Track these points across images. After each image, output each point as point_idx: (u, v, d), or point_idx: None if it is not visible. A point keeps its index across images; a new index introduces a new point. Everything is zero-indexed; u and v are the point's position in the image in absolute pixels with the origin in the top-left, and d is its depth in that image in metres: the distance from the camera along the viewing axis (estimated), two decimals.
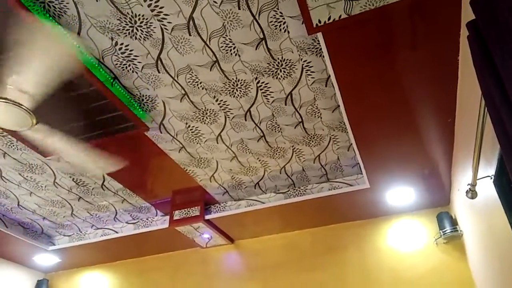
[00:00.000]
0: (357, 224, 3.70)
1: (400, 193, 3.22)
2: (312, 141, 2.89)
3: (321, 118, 2.66)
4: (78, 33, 1.99)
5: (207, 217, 3.62)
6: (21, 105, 2.01)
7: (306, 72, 2.29)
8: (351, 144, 2.89)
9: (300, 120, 2.67)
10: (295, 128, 2.74)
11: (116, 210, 3.71)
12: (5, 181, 3.14)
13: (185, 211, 3.64)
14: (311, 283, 3.60)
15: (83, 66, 2.10)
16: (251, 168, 3.19)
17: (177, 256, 4.24)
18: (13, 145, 2.76)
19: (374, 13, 1.72)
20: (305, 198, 3.36)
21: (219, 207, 3.67)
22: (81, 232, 4.01)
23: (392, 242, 3.52)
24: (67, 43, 2.00)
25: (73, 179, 3.18)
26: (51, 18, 1.91)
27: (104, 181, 3.25)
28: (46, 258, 4.18)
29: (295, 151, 3.00)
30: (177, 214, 3.66)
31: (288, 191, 3.47)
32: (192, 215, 3.62)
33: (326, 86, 2.39)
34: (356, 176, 3.25)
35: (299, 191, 3.42)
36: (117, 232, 3.87)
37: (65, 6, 1.86)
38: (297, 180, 3.37)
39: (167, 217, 3.76)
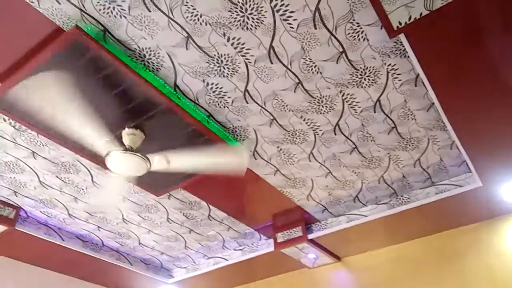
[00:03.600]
0: (472, 227, 3.39)
1: None
2: (409, 145, 2.77)
3: (415, 119, 2.55)
4: (175, 81, 2.22)
5: (310, 236, 3.62)
6: (137, 154, 2.27)
7: (392, 76, 2.24)
8: (453, 141, 2.71)
9: (392, 125, 2.59)
10: (388, 134, 2.67)
11: (223, 238, 3.90)
12: (127, 223, 3.52)
13: (287, 232, 3.69)
14: None
15: (182, 110, 2.32)
16: (347, 182, 3.15)
17: (286, 279, 4.27)
18: (131, 190, 3.10)
19: (456, 4, 1.65)
20: (411, 206, 3.18)
21: (320, 225, 3.65)
22: (195, 263, 4.27)
23: None
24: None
25: (183, 213, 3.45)
26: (150, 72, 2.16)
27: (210, 211, 3.46)
28: None
29: (392, 158, 2.90)
30: (280, 237, 3.72)
31: (390, 200, 3.33)
32: (295, 236, 3.64)
33: (415, 86, 2.31)
34: (465, 175, 3.01)
35: (403, 199, 3.26)
36: (226, 260, 4.05)
37: (161, 60, 2.10)
38: (399, 188, 3.23)
39: (271, 240, 3.84)
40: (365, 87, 2.31)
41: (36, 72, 2.03)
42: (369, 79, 2.26)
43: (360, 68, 2.19)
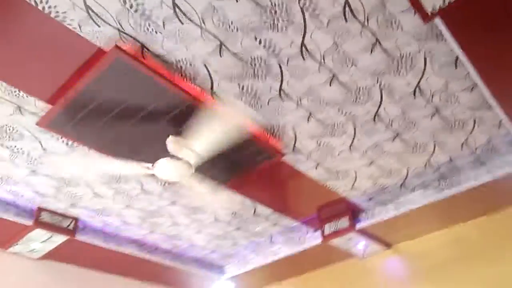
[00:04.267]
0: None
1: None
2: (454, 128, 2.68)
3: (458, 102, 2.46)
4: (211, 88, 2.28)
5: (357, 226, 3.60)
6: (182, 159, 2.37)
7: (430, 60, 2.18)
8: (501, 120, 2.59)
9: (435, 109, 2.52)
10: (431, 119, 2.59)
11: (270, 234, 3.96)
12: (178, 226, 3.66)
13: (334, 224, 3.69)
14: (493, 277, 3.23)
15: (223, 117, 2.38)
16: (391, 170, 3.10)
17: (336, 270, 4.28)
18: (179, 194, 3.22)
19: None
20: (461, 188, 3.08)
21: (368, 215, 3.61)
22: (245, 258, 4.37)
23: None
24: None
25: (229, 212, 3.53)
26: (188, 82, 2.23)
27: (255, 209, 3.52)
28: (222, 287, 4.65)
29: (437, 142, 2.81)
30: (327, 228, 3.73)
31: (439, 185, 3.24)
32: (342, 227, 3.63)
33: (456, 67, 2.22)
34: None
35: (452, 182, 3.16)
36: (275, 254, 4.11)
37: (197, 69, 2.16)
38: (447, 172, 3.13)
39: (318, 233, 3.85)
40: (402, 74, 2.26)
41: (83, 92, 2.16)
42: (406, 66, 2.21)
43: (396, 56, 2.14)
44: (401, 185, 3.29)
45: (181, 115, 2.34)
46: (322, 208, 3.63)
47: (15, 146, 2.59)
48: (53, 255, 3.62)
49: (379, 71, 2.23)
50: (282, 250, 4.09)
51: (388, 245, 3.93)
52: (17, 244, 3.37)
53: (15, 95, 2.25)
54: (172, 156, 2.36)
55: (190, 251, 4.17)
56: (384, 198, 3.46)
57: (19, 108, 2.32)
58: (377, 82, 2.31)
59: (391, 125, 2.63)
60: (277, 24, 1.94)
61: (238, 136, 2.40)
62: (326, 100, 2.41)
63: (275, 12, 1.88)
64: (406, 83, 2.32)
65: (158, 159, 2.36)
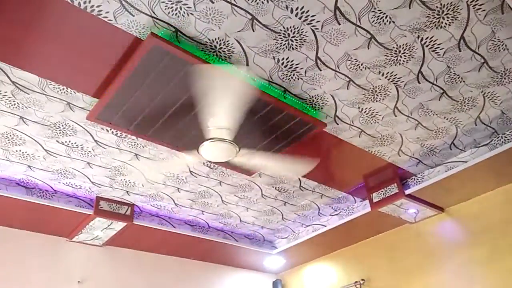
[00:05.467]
0: None
1: None
2: (505, 78, 2.52)
3: (508, 50, 2.31)
4: (247, 64, 2.28)
5: (407, 192, 3.52)
6: (224, 139, 2.41)
7: (473, 8, 2.05)
8: None
9: (482, 61, 2.38)
10: (479, 71, 2.46)
11: (318, 206, 3.97)
12: (226, 204, 3.76)
13: (382, 191, 3.63)
14: None
15: (258, 91, 2.39)
16: (439, 129, 2.98)
17: (389, 237, 4.24)
18: (224, 173, 3.29)
19: None
20: None
21: (417, 179, 3.52)
22: (294, 232, 4.43)
23: None
24: (241, 77, 2.32)
25: (275, 188, 3.57)
26: (223, 61, 2.25)
27: (300, 182, 3.54)
28: (274, 261, 4.76)
29: (487, 95, 2.67)
30: (376, 196, 3.68)
31: (491, 141, 3.09)
32: (391, 194, 3.58)
33: (503, 13, 2.08)
34: None
35: (506, 137, 3.00)
36: (325, 226, 4.13)
37: (231, 47, 2.17)
38: (499, 126, 2.98)
39: (367, 202, 3.82)
40: (444, 26, 2.15)
41: (125, 82, 2.23)
42: (448, 17, 2.09)
43: (436, 7, 2.03)
44: (450, 145, 3.17)
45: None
46: (369, 176, 3.58)
47: (69, 141, 2.74)
48: (114, 241, 3.85)
49: (419, 26, 2.13)
50: (331, 221, 4.11)
51: (440, 208, 3.83)
52: (81, 233, 3.61)
53: (64, 93, 2.37)
54: (215, 138, 2.40)
55: (240, 228, 4.28)
56: (433, 160, 3.36)
57: (68, 104, 2.45)
58: (418, 38, 2.21)
59: (436, 82, 2.52)
60: None
61: (248, 99, 2.34)
62: (365, 64, 2.34)
63: None
64: (450, 36, 2.20)
65: (201, 142, 2.41)
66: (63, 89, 2.35)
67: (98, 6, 1.90)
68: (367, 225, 4.11)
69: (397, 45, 2.24)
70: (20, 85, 2.29)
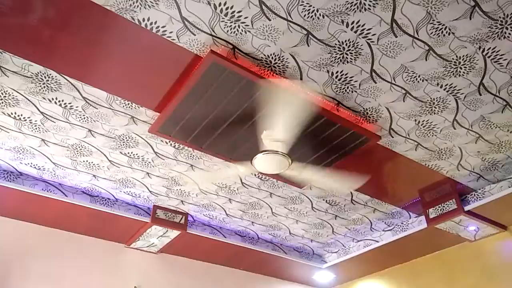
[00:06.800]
0: None
1: None
2: None
3: None
4: (301, 78, 2.32)
5: (466, 208, 3.36)
6: (278, 152, 2.45)
7: None
8: None
9: None
10: None
11: (370, 221, 3.88)
12: (276, 216, 3.78)
13: (439, 207, 3.49)
14: None
15: (311, 104, 2.41)
16: (502, 143, 2.84)
17: (446, 255, 4.04)
18: (275, 185, 3.32)
19: None
20: None
21: (477, 195, 3.35)
22: (344, 247, 4.35)
23: None
24: (298, 91, 2.35)
25: (326, 201, 3.55)
26: (278, 75, 2.30)
27: (352, 196, 3.49)
28: (323, 275, 4.69)
29: None
30: (432, 212, 3.54)
31: None
32: (449, 210, 3.42)
33: None
34: None
35: None
36: (377, 241, 4.02)
37: (286, 61, 2.22)
38: None
39: (422, 217, 3.67)
40: (508, 36, 2.06)
41: (185, 97, 2.35)
42: None
43: (500, 17, 1.96)
44: None
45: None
46: (425, 190, 3.45)
47: (131, 152, 2.92)
48: (168, 249, 3.99)
49: (481, 36, 2.06)
50: (384, 237, 3.99)
51: (503, 226, 3.60)
52: (138, 240, 3.78)
53: (128, 107, 2.54)
54: (269, 151, 2.45)
55: (289, 241, 4.28)
56: (495, 175, 3.18)
57: (132, 118, 2.62)
58: (480, 49, 2.14)
59: (499, 94, 2.41)
60: (364, 4, 1.91)
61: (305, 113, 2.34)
62: (422, 75, 2.30)
63: None
64: None
65: (254, 155, 2.47)
66: (128, 104, 2.51)
67: (163, 27, 2.03)
68: (422, 242, 3.95)
69: (456, 56, 2.18)
70: (90, 101, 2.49)
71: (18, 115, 2.57)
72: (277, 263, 4.46)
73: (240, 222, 3.88)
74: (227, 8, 1.94)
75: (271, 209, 3.67)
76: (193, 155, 2.95)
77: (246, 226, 3.96)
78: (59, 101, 2.48)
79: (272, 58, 2.20)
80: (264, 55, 2.19)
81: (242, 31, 2.05)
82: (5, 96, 2.43)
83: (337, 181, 2.92)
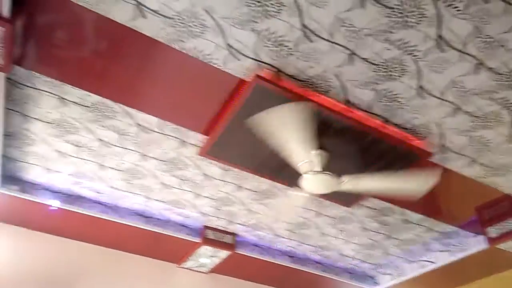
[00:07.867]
0: None
1: None
2: None
3: None
4: (346, 98, 2.32)
5: None
6: (318, 171, 2.43)
7: None
8: None
9: None
10: None
11: (424, 241, 3.72)
12: (325, 236, 3.73)
13: (500, 225, 3.27)
14: None
15: (357, 121, 2.40)
16: None
17: (509, 277, 3.75)
18: (323, 205, 3.29)
19: None
20: None
21: None
22: (398, 268, 4.18)
23: None
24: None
25: (377, 221, 3.45)
26: (322, 95, 2.32)
27: (404, 215, 3.37)
28: None
29: None
30: (493, 231, 3.32)
31: None
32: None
33: None
34: None
35: None
36: (434, 263, 3.82)
37: (329, 81, 2.24)
38: None
39: (481, 237, 3.46)
40: None
41: (232, 121, 2.43)
42: None
43: None
44: None
45: (320, 129, 2.43)
46: (482, 208, 3.26)
47: (182, 175, 3.03)
48: (218, 269, 4.05)
49: None
50: (440, 258, 3.79)
51: None
52: (188, 260, 3.88)
53: (178, 131, 2.66)
54: (316, 171, 2.44)
55: (340, 262, 4.18)
56: None
57: (182, 142, 2.74)
58: None
59: None
60: (407, 21, 1.90)
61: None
62: (473, 90, 2.22)
63: (404, 9, 1.84)
64: None
65: (298, 175, 2.46)
66: (177, 128, 2.63)
67: (208, 55, 2.13)
68: (482, 263, 3.71)
69: (508, 69, 2.08)
70: (143, 126, 2.64)
71: (78, 142, 2.77)
72: (327, 285, 4.36)
73: (288, 242, 3.87)
74: (270, 34, 2.00)
75: (320, 229, 3.63)
76: (240, 176, 3.01)
77: (295, 247, 3.94)
78: (115, 128, 2.65)
79: (316, 78, 2.23)
80: (308, 76, 2.22)
81: (285, 54, 2.10)
82: (66, 125, 2.64)
83: (407, 181, 2.54)
